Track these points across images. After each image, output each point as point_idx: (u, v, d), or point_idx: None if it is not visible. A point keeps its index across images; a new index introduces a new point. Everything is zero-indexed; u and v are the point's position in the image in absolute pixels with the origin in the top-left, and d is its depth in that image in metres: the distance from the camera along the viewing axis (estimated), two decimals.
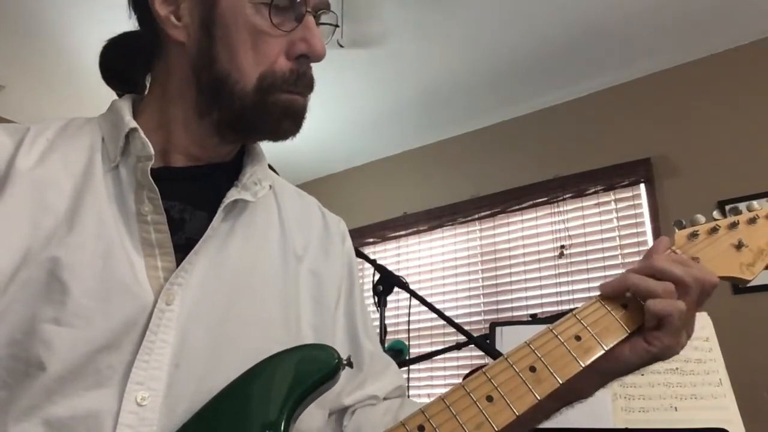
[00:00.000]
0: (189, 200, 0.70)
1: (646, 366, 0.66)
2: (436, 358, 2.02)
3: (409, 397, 0.91)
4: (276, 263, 0.73)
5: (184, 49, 0.71)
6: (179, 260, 0.65)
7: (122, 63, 0.78)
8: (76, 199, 0.64)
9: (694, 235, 0.71)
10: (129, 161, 0.68)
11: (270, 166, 1.54)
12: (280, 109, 0.70)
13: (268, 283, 0.71)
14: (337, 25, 0.78)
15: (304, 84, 0.72)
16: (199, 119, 0.71)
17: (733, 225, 0.71)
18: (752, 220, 0.71)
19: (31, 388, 0.56)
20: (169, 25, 0.70)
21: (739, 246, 0.70)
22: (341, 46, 2.68)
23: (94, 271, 0.60)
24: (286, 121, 0.71)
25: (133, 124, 0.68)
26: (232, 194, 0.70)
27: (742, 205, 0.73)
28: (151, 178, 0.65)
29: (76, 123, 0.72)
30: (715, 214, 0.73)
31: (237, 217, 0.71)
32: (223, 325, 0.64)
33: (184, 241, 0.67)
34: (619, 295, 0.67)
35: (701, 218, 0.73)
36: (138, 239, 0.64)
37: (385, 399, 0.81)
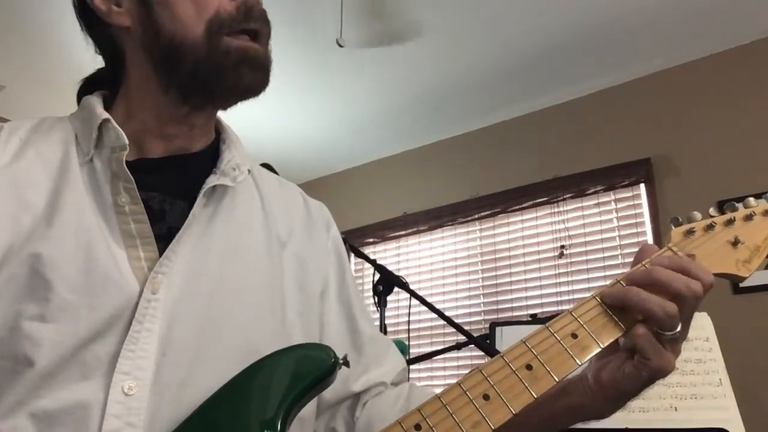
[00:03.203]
0: (168, 190, 0.70)
1: (645, 388, 0.64)
2: (436, 358, 2.02)
3: None
4: (260, 249, 0.73)
5: (132, 33, 0.71)
6: (162, 250, 0.65)
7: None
8: (53, 194, 0.64)
9: (690, 232, 0.71)
10: (103, 153, 0.68)
11: (269, 166, 1.53)
12: (234, 57, 0.68)
13: (253, 269, 0.71)
14: None
15: (255, 18, 0.70)
16: (165, 95, 0.71)
17: (730, 222, 0.71)
18: (749, 217, 0.71)
19: (18, 384, 0.56)
20: (113, 16, 0.71)
21: (736, 243, 0.69)
22: (341, 46, 2.68)
23: (76, 264, 0.60)
24: (246, 70, 0.69)
25: (105, 115, 0.68)
26: (211, 180, 0.70)
27: (738, 203, 0.73)
28: (126, 168, 0.65)
29: (48, 122, 0.72)
30: (712, 210, 0.72)
31: (218, 203, 0.71)
32: (209, 312, 0.64)
33: (165, 230, 0.67)
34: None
35: (697, 215, 0.72)
36: (118, 231, 0.64)
37: (392, 384, 0.80)
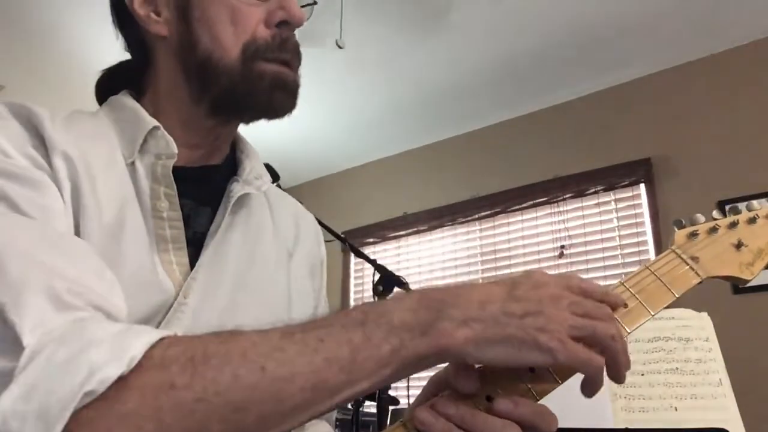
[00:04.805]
0: (196, 197, 0.71)
1: None
2: None
3: (408, 396, 0.91)
4: (271, 257, 0.76)
5: (167, 42, 0.71)
6: (191, 254, 0.67)
7: (118, 90, 0.77)
8: (107, 190, 0.64)
9: (693, 234, 0.70)
10: (146, 158, 0.68)
11: (269, 167, 1.53)
12: (268, 80, 0.69)
13: (265, 277, 0.73)
14: (315, 2, 0.77)
15: (289, 49, 0.71)
16: (195, 107, 0.72)
17: (733, 225, 0.71)
18: (752, 220, 0.71)
19: None
20: (151, 23, 0.71)
21: (739, 246, 0.69)
22: (340, 47, 2.68)
23: (122, 264, 0.61)
24: (278, 92, 0.70)
25: (155, 122, 0.69)
26: (238, 189, 0.72)
27: (741, 205, 0.73)
28: (172, 177, 0.67)
29: (80, 116, 0.71)
30: (715, 213, 0.72)
31: (236, 211, 0.73)
32: (224, 318, 0.66)
33: (191, 235, 0.69)
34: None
35: (701, 218, 0.71)
36: (153, 234, 0.65)
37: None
